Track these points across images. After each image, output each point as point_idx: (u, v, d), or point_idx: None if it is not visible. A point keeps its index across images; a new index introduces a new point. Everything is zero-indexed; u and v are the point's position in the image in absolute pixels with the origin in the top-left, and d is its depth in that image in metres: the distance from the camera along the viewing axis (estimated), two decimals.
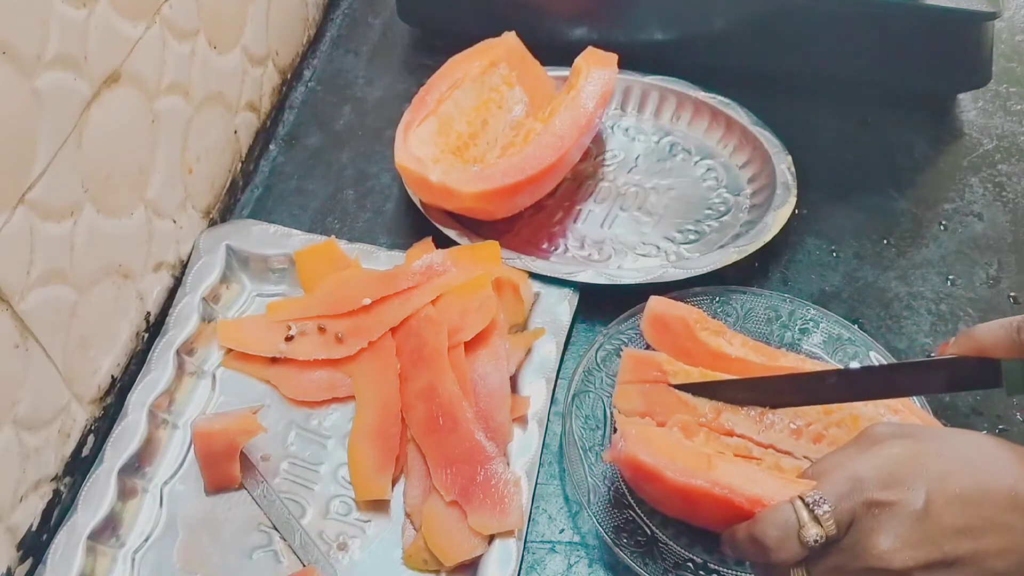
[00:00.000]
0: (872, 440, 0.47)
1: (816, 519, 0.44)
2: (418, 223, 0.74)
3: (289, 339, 0.66)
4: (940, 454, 0.44)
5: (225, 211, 0.76)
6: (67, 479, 0.59)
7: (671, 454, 0.51)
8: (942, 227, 0.77)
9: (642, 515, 0.58)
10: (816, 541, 0.44)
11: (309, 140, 0.83)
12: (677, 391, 0.60)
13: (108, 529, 0.57)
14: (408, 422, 0.62)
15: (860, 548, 0.43)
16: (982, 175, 0.81)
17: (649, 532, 0.57)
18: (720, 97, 0.81)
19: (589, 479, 0.59)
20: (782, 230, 0.72)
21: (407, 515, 0.59)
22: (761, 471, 0.51)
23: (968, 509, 0.42)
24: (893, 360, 0.64)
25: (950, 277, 0.73)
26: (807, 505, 0.44)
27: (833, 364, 0.64)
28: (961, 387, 0.54)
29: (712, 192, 0.78)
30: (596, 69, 0.78)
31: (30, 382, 0.53)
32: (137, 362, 0.65)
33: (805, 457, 0.58)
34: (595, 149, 0.81)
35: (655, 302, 0.65)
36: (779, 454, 0.58)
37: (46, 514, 0.57)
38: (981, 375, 0.51)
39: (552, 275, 0.69)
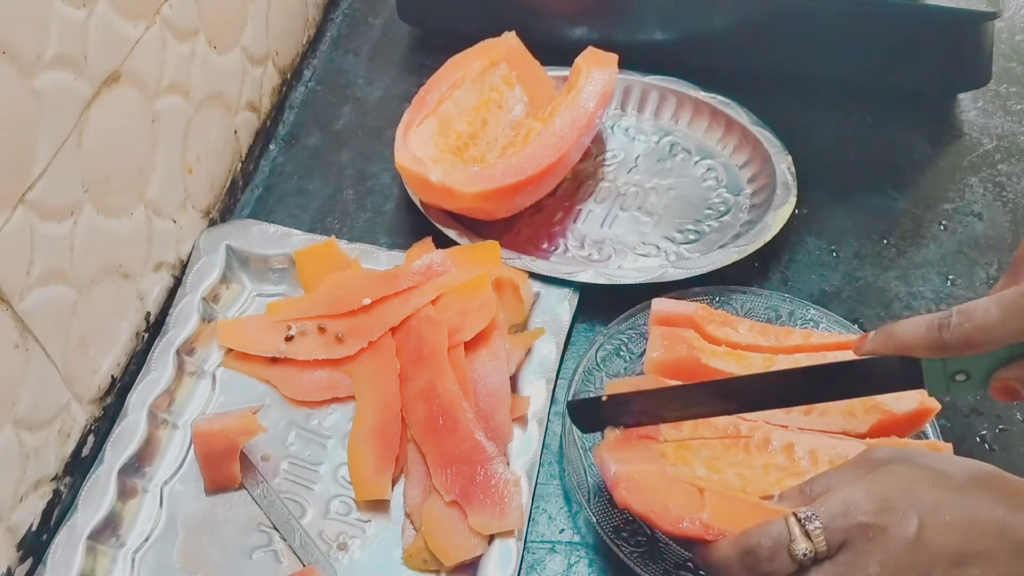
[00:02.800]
0: (871, 465, 0.47)
1: (807, 534, 0.44)
2: (418, 223, 0.74)
3: (289, 339, 0.66)
4: (935, 483, 0.45)
5: (225, 211, 0.76)
6: (67, 479, 0.59)
7: (663, 499, 0.50)
8: (942, 227, 0.77)
9: None
10: (805, 555, 0.44)
11: (309, 140, 0.83)
12: (666, 380, 0.60)
13: (108, 529, 0.57)
14: (408, 422, 0.62)
15: (850, 569, 0.44)
16: (982, 175, 0.81)
17: (649, 532, 0.57)
18: (720, 97, 0.81)
19: (589, 479, 0.59)
20: (782, 230, 0.72)
21: (407, 515, 0.59)
22: (753, 502, 0.51)
23: (958, 538, 0.43)
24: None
25: (950, 277, 0.73)
26: (799, 520, 0.45)
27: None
28: (882, 388, 0.52)
29: (712, 192, 0.78)
30: (596, 69, 0.78)
31: (30, 382, 0.53)
32: (137, 362, 0.65)
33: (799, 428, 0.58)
34: (595, 149, 0.81)
35: (659, 304, 0.65)
36: (769, 426, 0.58)
37: (46, 514, 0.57)
38: (902, 375, 0.49)
39: (552, 275, 0.69)
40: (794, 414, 0.59)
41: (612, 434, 0.56)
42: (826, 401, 0.57)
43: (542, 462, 0.62)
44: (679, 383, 0.57)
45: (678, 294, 0.67)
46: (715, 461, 0.56)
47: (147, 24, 0.61)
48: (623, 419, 0.56)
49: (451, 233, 0.71)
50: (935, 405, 0.58)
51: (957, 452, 0.58)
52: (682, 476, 0.54)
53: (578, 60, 0.79)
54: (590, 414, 0.57)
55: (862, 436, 0.58)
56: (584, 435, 0.61)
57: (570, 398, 0.62)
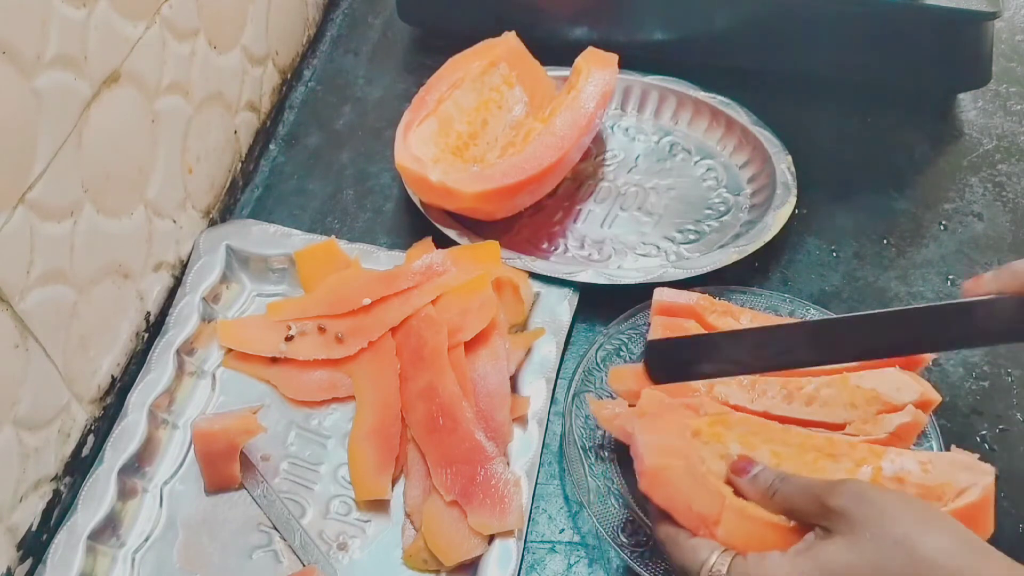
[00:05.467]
0: (823, 511, 0.46)
1: None
2: (418, 223, 0.74)
3: (289, 339, 0.66)
4: (879, 567, 0.43)
5: (225, 211, 0.76)
6: (67, 479, 0.59)
7: (685, 497, 0.50)
8: (942, 227, 0.77)
9: (642, 515, 0.58)
10: None
11: (309, 140, 0.83)
12: None
13: (108, 529, 0.57)
14: (408, 422, 0.62)
15: None
16: (982, 175, 0.81)
17: (649, 532, 0.57)
18: (720, 97, 0.81)
19: (589, 479, 0.59)
20: (782, 230, 0.72)
21: (407, 515, 0.59)
22: (768, 521, 0.50)
23: None
24: None
25: (950, 277, 0.73)
26: (711, 568, 0.46)
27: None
28: (999, 338, 0.47)
29: (712, 192, 0.78)
30: (596, 69, 0.78)
31: (30, 382, 0.53)
32: (137, 362, 0.65)
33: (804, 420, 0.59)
34: (595, 149, 0.81)
35: (660, 293, 0.65)
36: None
37: (46, 514, 0.57)
38: (1020, 320, 0.45)
39: (552, 275, 0.69)
40: (795, 404, 0.59)
41: (650, 397, 0.55)
42: (934, 351, 0.50)
43: (542, 462, 0.62)
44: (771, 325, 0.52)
45: None
46: (751, 437, 0.54)
47: (147, 24, 0.61)
48: (705, 368, 0.52)
49: (451, 233, 0.71)
50: (935, 397, 0.58)
51: None
52: (713, 452, 0.53)
53: (578, 60, 0.79)
54: (669, 359, 0.52)
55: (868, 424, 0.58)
56: (584, 435, 0.61)
57: (649, 339, 0.58)
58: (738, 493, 0.51)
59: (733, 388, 0.60)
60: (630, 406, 0.59)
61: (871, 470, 0.53)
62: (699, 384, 0.60)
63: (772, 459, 0.54)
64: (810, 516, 0.47)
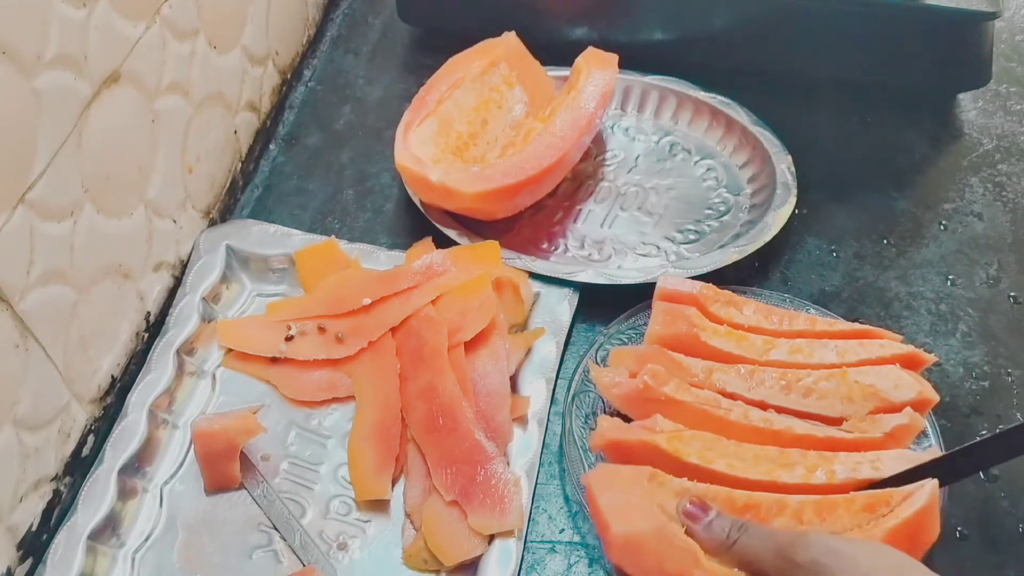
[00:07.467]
0: (789, 564, 0.46)
1: None
2: (418, 223, 0.74)
3: (289, 339, 0.66)
4: None
5: (225, 211, 0.76)
6: (67, 479, 0.59)
7: (658, 561, 0.50)
8: (942, 227, 0.77)
9: None
10: None
11: (309, 140, 0.83)
12: (669, 352, 0.61)
13: (108, 529, 0.57)
14: (408, 422, 0.62)
15: None
16: (982, 175, 0.81)
17: None
18: (720, 97, 0.81)
19: None
20: (782, 230, 0.72)
21: (407, 515, 0.59)
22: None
23: None
24: None
25: (950, 277, 0.73)
26: None
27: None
28: None
29: (712, 192, 0.78)
30: (597, 69, 0.78)
31: (30, 382, 0.53)
32: (137, 362, 0.65)
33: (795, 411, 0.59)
34: (595, 149, 0.81)
35: (664, 281, 0.65)
36: (776, 415, 0.59)
37: (46, 514, 0.57)
38: None
39: (552, 275, 0.69)
40: (793, 395, 0.59)
41: (608, 423, 0.56)
42: None
43: (542, 462, 0.62)
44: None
45: None
46: (706, 452, 0.56)
47: (147, 24, 0.61)
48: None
49: (451, 233, 0.71)
50: (933, 396, 0.59)
51: None
52: (669, 492, 0.54)
53: (578, 60, 0.79)
54: None
55: (862, 420, 0.59)
56: (584, 435, 0.61)
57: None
58: (689, 533, 0.51)
59: (731, 376, 0.60)
60: (631, 376, 0.59)
61: (824, 474, 0.55)
62: (697, 370, 0.60)
63: (728, 471, 0.55)
64: (775, 571, 0.47)
